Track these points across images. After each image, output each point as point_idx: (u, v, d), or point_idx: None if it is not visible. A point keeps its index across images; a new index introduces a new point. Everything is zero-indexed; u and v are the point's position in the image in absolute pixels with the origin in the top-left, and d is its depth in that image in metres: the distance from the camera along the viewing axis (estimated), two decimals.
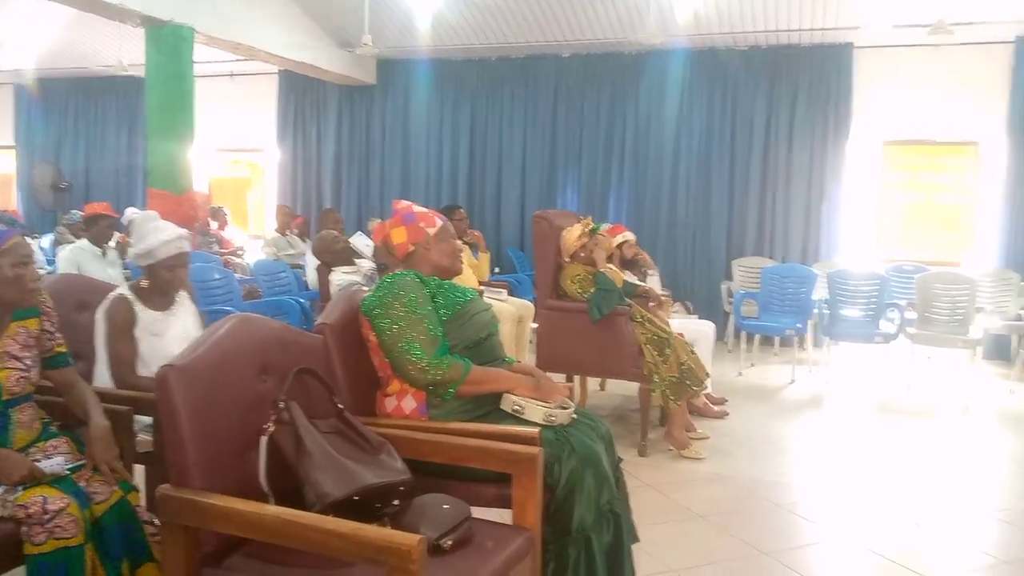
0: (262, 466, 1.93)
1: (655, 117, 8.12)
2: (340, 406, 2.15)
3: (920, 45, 6.98)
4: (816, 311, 6.50)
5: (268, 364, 2.08)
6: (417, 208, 2.74)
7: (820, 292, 6.58)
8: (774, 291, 6.57)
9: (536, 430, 2.28)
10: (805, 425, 5.26)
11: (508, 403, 2.46)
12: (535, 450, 2.12)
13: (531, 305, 5.76)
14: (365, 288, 3.40)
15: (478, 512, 2.11)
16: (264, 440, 1.94)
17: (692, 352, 4.58)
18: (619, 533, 2.35)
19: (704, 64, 7.92)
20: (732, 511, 3.67)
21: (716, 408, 5.18)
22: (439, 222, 2.70)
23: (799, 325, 6.30)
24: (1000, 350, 7.03)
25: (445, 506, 2.01)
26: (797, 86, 7.65)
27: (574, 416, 2.48)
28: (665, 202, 8.11)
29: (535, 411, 2.41)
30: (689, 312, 6.11)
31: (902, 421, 5.36)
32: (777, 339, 7.11)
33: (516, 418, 2.42)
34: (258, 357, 2.07)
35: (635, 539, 2.58)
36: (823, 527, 3.54)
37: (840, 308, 6.35)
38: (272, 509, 1.79)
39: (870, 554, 3.25)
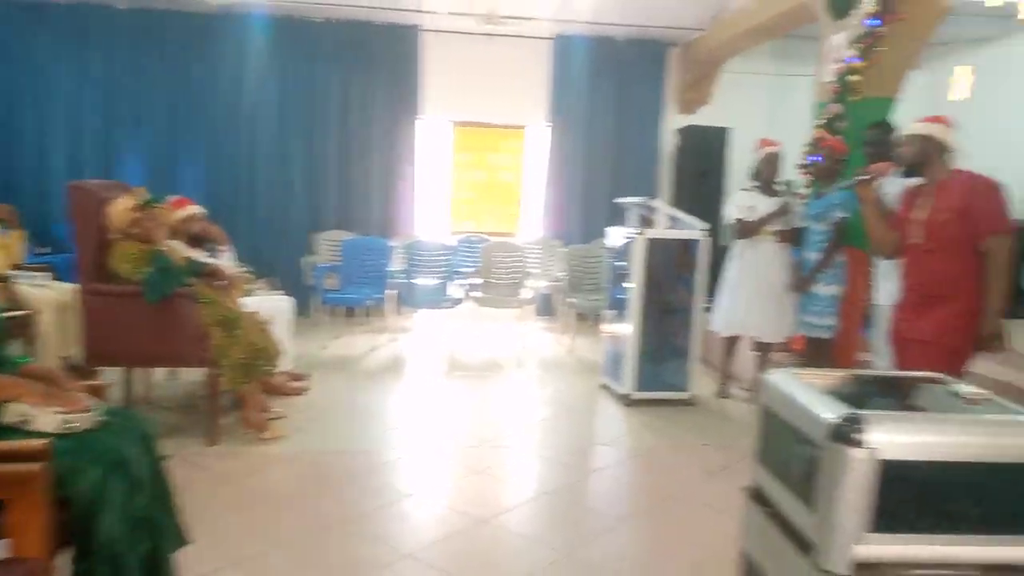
0: None
1: (230, 84, 7.64)
2: None
3: (477, 34, 7.62)
4: (394, 281, 6.78)
5: None
6: None
7: (398, 263, 6.88)
8: (354, 264, 6.69)
9: (43, 442, 1.93)
10: (385, 391, 5.45)
11: (12, 414, 2.06)
12: (33, 467, 1.79)
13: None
14: None
15: None
16: None
17: (265, 330, 4.42)
18: (158, 540, 2.12)
19: (282, 32, 7.64)
20: (309, 489, 3.62)
21: (295, 384, 5.09)
22: None
23: (378, 295, 6.52)
24: (548, 307, 8.12)
25: None
26: (371, 63, 7.82)
27: (102, 419, 2.17)
28: (243, 175, 7.72)
29: (48, 420, 2.06)
30: (275, 289, 5.91)
31: (470, 377, 5.87)
32: (361, 310, 7.28)
33: (24, 431, 2.04)
34: None
35: (183, 541, 2.38)
36: (402, 490, 3.67)
37: (415, 277, 6.71)
38: None
39: (441, 506, 3.47)
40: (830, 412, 1.49)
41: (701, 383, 5.44)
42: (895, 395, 1.89)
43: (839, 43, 5.25)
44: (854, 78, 5.04)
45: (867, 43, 4.96)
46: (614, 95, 8.25)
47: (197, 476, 3.64)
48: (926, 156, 3.37)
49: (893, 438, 1.44)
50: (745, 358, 5.53)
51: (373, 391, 5.40)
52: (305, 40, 7.70)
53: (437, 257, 6.82)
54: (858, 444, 1.42)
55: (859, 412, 1.45)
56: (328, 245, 7.61)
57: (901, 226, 3.50)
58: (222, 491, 3.52)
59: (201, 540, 2.67)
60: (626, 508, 3.64)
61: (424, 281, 6.78)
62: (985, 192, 3.26)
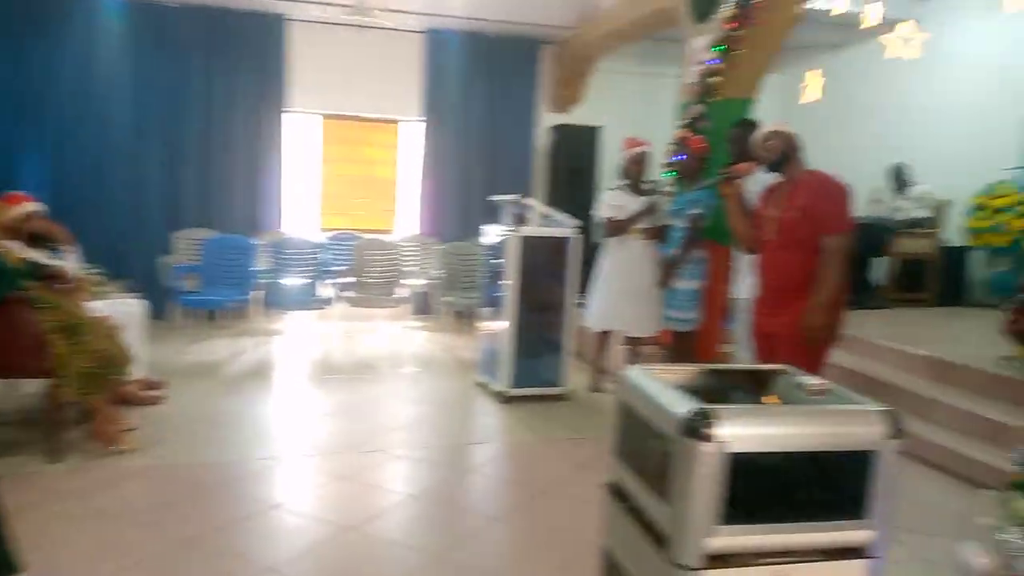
0: None
1: (77, 70, 7.09)
2: None
3: (346, 25, 7.42)
4: (260, 282, 6.50)
5: None
6: None
7: (264, 262, 6.60)
8: (216, 263, 6.37)
9: None
10: (251, 398, 5.20)
11: None
12: None
13: None
14: None
15: None
16: None
17: (115, 336, 4.11)
18: None
19: (135, 16, 7.17)
20: (165, 504, 3.38)
21: (149, 393, 4.78)
22: None
23: (242, 296, 6.23)
24: (424, 306, 8.02)
25: None
26: (233, 52, 7.47)
27: None
28: (93, 168, 7.19)
29: None
30: (127, 291, 5.52)
31: (343, 380, 5.70)
32: (224, 313, 6.94)
33: None
34: None
35: (15, 568, 2.16)
36: (266, 500, 3.50)
37: (282, 277, 6.46)
38: None
39: (306, 516, 3.33)
40: (681, 407, 1.51)
41: (575, 378, 5.51)
42: (744, 388, 1.95)
43: (700, 46, 5.45)
44: (714, 80, 5.24)
45: (726, 47, 5.17)
46: (488, 91, 8.26)
47: (37, 496, 3.34)
48: (786, 154, 3.50)
49: (740, 431, 1.47)
50: (617, 352, 5.65)
51: (237, 398, 5.13)
52: (160, 26, 7.27)
53: (306, 255, 6.58)
54: (707, 438, 1.44)
55: (708, 407, 1.48)
56: (188, 244, 7.21)
57: (758, 222, 3.64)
58: (68, 510, 3.24)
59: (43, 564, 2.44)
60: (499, 506, 3.63)
61: (292, 281, 6.53)
62: (830, 193, 3.42)
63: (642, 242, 5.19)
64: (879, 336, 5.38)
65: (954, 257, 7.52)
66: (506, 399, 5.17)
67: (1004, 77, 7.26)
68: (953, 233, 7.51)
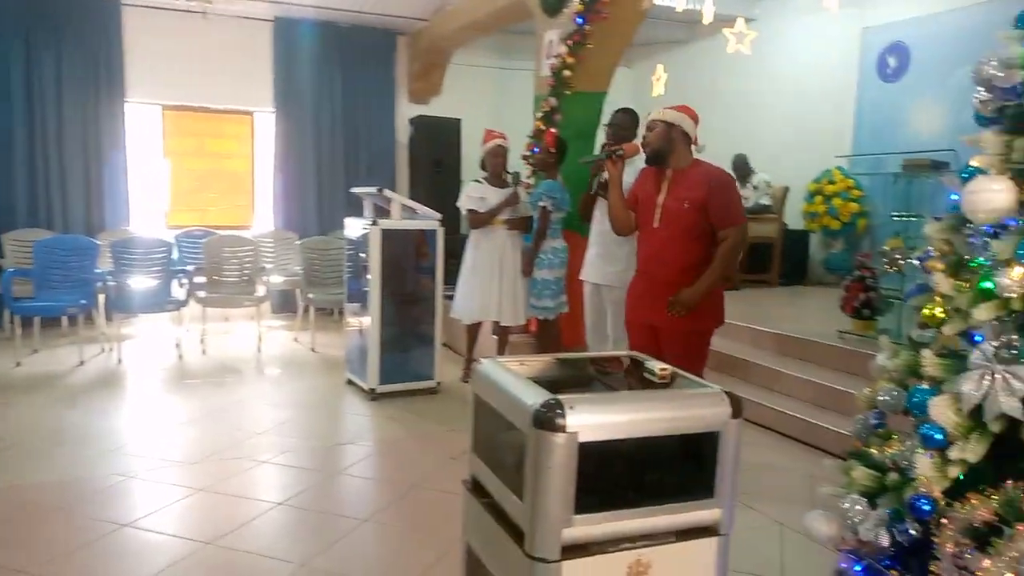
0: None
1: None
2: None
3: (188, 11, 7.02)
4: (103, 284, 6.06)
5: None
6: None
7: (108, 263, 6.16)
8: (52, 266, 5.86)
9: None
10: (98, 410, 4.83)
11: None
12: None
13: None
14: None
15: None
16: None
17: None
18: None
19: None
20: None
21: None
22: None
23: (84, 301, 5.78)
24: (286, 304, 7.76)
25: None
26: (62, 39, 6.89)
27: None
28: None
29: None
30: None
31: (201, 385, 5.42)
32: (64, 319, 6.42)
33: None
34: None
35: None
36: (116, 520, 3.25)
37: (128, 279, 6.04)
38: None
39: (161, 533, 3.13)
40: (532, 398, 1.52)
41: (446, 370, 5.49)
42: (596, 377, 1.99)
43: (553, 39, 5.53)
44: (566, 73, 5.34)
45: (576, 40, 5.28)
46: (343, 82, 8.06)
47: None
48: (671, 143, 3.44)
49: (591, 420, 1.49)
50: (488, 343, 5.68)
51: (83, 411, 4.76)
52: None
53: (156, 255, 6.18)
54: (559, 429, 1.46)
55: (558, 397, 1.49)
56: (17, 246, 6.61)
57: (637, 208, 3.61)
58: None
59: None
60: (369, 507, 3.55)
61: (141, 282, 6.11)
62: (723, 186, 3.42)
63: (506, 233, 5.23)
64: (731, 316, 5.65)
65: (795, 240, 8.08)
66: (375, 396, 5.08)
67: (833, 70, 7.84)
68: (793, 218, 8.05)
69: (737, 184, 3.60)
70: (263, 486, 3.76)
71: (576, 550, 1.52)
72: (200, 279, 6.36)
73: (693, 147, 3.52)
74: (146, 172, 7.58)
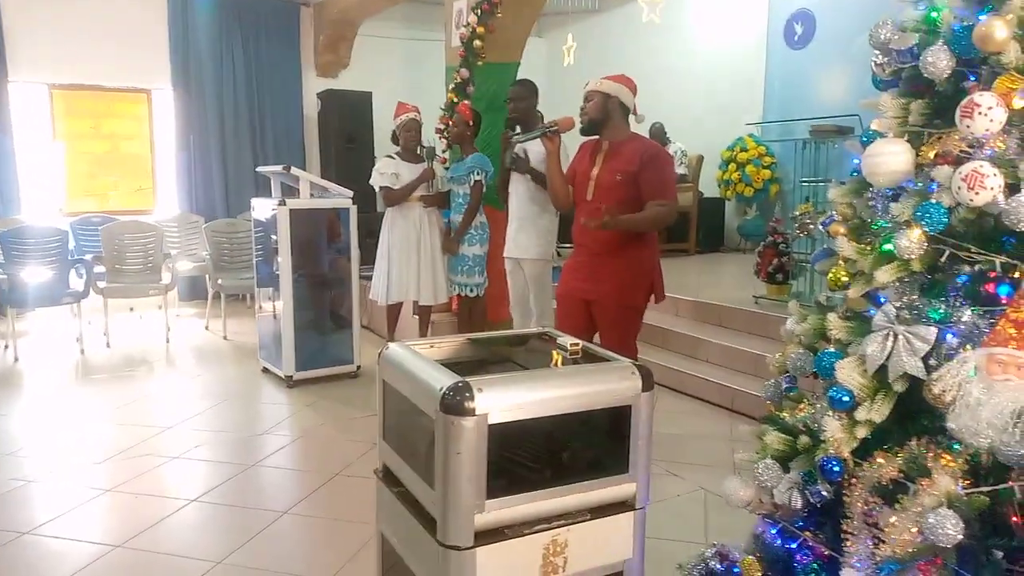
0: None
1: None
2: None
3: None
4: None
5: None
6: None
7: None
8: None
9: None
10: None
11: None
12: None
13: None
14: None
15: None
16: None
17: None
18: None
19: None
20: None
21: None
22: None
23: None
24: (195, 290, 7.45)
25: None
26: None
27: None
28: None
29: None
30: None
31: (107, 380, 5.15)
32: None
33: None
34: None
35: None
36: (15, 528, 3.04)
37: (21, 271, 5.67)
38: None
39: (65, 539, 2.95)
40: (439, 382, 1.46)
41: (367, 353, 5.36)
42: (507, 356, 1.94)
43: (462, 9, 5.41)
44: (477, 43, 5.23)
45: (486, 10, 5.17)
46: (245, 56, 7.73)
47: None
48: (607, 114, 3.37)
49: (501, 401, 1.44)
50: (411, 323, 5.57)
51: None
52: None
53: (50, 244, 5.81)
54: (468, 412, 1.40)
55: (466, 379, 1.43)
56: None
57: (574, 182, 3.54)
58: None
59: None
60: (289, 498, 3.43)
61: (35, 274, 5.75)
62: (658, 161, 3.35)
63: (423, 210, 5.10)
64: None
65: (711, 208, 8.22)
66: (293, 383, 4.93)
67: (743, 37, 7.95)
68: (708, 186, 8.18)
69: (671, 160, 3.59)
70: (175, 483, 3.60)
71: (490, 535, 1.47)
72: (100, 268, 6.02)
73: (632, 117, 3.47)
74: (37, 157, 7.11)
